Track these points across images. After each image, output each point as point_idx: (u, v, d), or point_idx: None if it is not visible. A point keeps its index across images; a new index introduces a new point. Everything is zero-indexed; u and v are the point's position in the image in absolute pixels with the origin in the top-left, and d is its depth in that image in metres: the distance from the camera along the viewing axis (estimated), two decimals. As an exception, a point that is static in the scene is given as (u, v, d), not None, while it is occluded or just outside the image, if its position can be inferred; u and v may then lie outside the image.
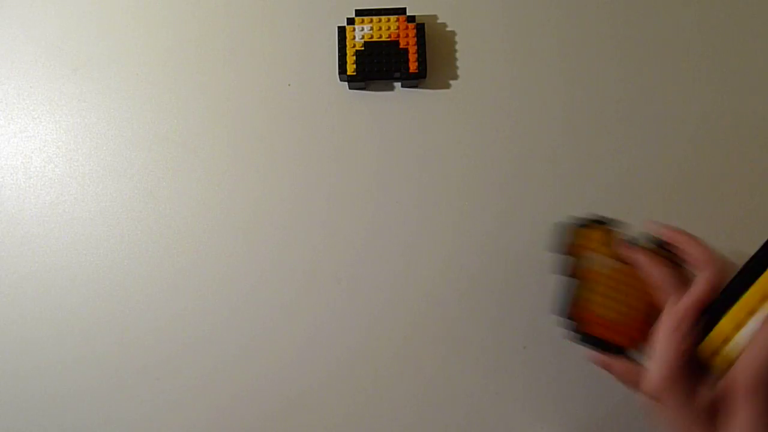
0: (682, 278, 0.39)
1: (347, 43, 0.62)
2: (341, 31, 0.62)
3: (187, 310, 0.58)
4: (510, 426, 0.56)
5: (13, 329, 0.58)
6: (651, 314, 0.43)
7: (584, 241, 0.47)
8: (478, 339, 0.58)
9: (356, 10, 0.63)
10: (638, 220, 0.60)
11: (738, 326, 0.29)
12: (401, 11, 0.63)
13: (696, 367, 0.30)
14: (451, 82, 0.63)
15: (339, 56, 0.62)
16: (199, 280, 0.59)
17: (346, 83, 0.62)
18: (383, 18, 0.62)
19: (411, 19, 0.62)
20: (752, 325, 0.28)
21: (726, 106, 0.63)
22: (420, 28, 0.62)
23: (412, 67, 0.61)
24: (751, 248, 0.58)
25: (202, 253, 0.59)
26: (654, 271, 0.41)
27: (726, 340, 0.29)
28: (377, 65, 0.61)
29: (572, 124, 0.61)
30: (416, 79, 0.61)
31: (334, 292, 0.59)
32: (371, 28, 0.62)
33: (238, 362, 0.57)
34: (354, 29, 0.62)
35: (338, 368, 0.57)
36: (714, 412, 0.29)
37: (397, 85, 0.63)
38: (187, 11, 0.65)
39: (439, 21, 0.65)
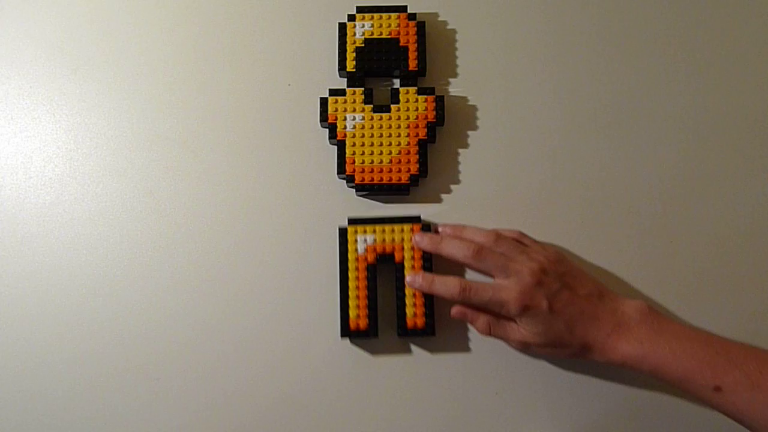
0: None
1: (347, 39, 0.62)
2: (342, 27, 0.62)
3: (187, 309, 0.58)
4: (510, 426, 0.56)
5: (13, 329, 0.58)
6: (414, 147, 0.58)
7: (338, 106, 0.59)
8: (478, 339, 0.58)
9: (357, 7, 0.62)
10: (641, 222, 0.60)
11: None
12: (402, 9, 0.62)
13: None
14: (451, 80, 0.63)
15: (339, 52, 0.61)
16: (198, 279, 0.59)
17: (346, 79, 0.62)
18: (384, 15, 0.62)
19: (412, 16, 0.62)
20: None
21: (721, 108, 0.62)
22: (420, 26, 0.62)
23: (412, 64, 0.61)
24: (750, 249, 0.57)
25: (201, 253, 0.59)
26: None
27: None
28: (377, 62, 0.61)
29: (572, 122, 0.61)
30: (415, 77, 0.61)
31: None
32: (372, 25, 0.62)
33: (237, 362, 0.58)
34: (354, 26, 0.62)
35: (335, 367, 0.57)
36: None
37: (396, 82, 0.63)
38: (186, 11, 0.64)
39: (439, 19, 0.64)
